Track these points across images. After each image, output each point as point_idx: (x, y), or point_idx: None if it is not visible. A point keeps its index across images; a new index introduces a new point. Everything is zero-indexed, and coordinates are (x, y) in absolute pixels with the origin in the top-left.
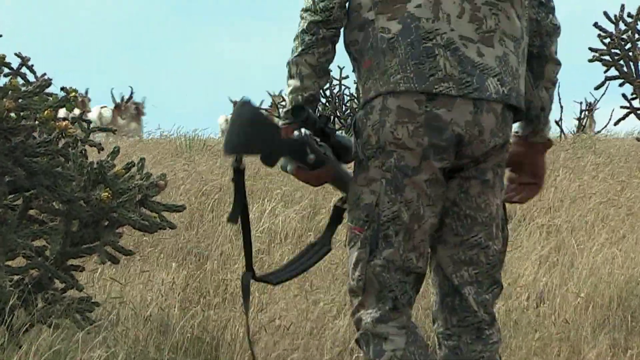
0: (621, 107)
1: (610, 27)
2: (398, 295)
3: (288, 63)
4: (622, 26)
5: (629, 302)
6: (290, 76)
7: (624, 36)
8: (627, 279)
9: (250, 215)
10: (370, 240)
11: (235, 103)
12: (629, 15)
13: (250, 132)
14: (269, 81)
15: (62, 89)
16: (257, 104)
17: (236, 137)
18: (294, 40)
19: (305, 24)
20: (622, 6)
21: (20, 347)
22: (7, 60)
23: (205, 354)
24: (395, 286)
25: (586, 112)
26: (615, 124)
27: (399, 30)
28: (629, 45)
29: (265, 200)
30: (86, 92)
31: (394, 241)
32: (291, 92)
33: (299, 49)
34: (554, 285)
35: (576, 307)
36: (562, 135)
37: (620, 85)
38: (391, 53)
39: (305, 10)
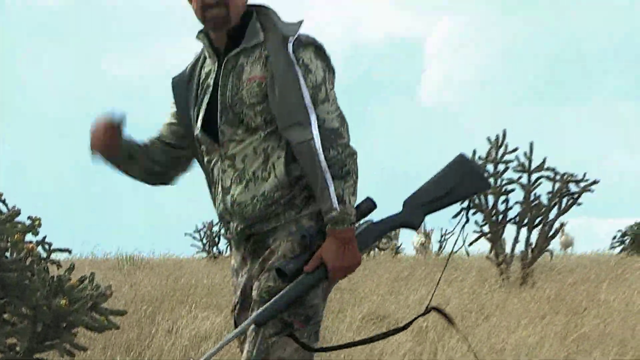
0: (474, 231)
1: None
2: None
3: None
4: None
5: None
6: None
7: None
8: None
9: None
10: (315, 335)
11: None
12: (479, 158)
13: None
14: None
15: (29, 217)
16: None
17: None
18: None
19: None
20: (474, 151)
21: None
22: None
23: None
24: None
25: (445, 236)
26: (470, 244)
27: None
28: None
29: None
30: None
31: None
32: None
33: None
34: None
35: None
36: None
37: (473, 214)
38: None
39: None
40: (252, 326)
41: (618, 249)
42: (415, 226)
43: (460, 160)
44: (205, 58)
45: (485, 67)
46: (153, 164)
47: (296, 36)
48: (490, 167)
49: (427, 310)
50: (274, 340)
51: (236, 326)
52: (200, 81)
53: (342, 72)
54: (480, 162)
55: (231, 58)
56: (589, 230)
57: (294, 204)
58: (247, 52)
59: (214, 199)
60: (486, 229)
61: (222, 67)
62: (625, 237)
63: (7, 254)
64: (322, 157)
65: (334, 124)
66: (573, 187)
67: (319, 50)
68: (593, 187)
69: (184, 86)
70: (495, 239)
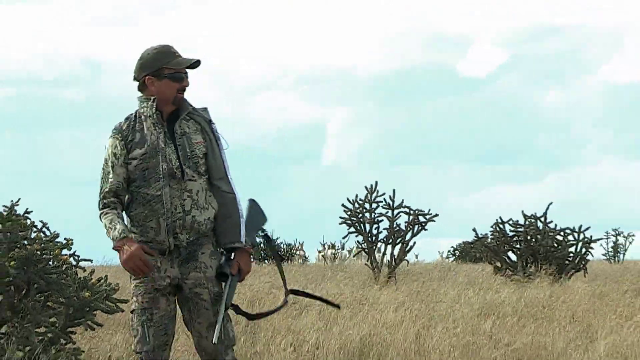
0: (357, 247)
1: (350, 205)
2: None
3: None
4: (357, 205)
5: None
6: None
7: (357, 211)
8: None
9: None
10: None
11: None
12: (360, 199)
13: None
14: None
15: (65, 238)
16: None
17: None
18: None
19: None
20: (357, 195)
21: None
22: (35, 223)
23: None
24: None
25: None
26: (354, 256)
27: None
28: (360, 216)
29: None
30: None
31: None
32: None
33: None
34: None
35: None
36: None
37: (356, 236)
38: None
39: None
40: (211, 318)
41: (451, 259)
42: (254, 245)
43: (252, 203)
44: (136, 122)
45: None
46: None
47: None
48: (367, 205)
49: (288, 293)
50: (227, 325)
51: (155, 302)
52: (149, 140)
53: (269, 145)
54: (361, 202)
55: (176, 125)
56: (432, 246)
57: (212, 228)
58: (182, 121)
59: (161, 219)
60: (364, 245)
61: (174, 131)
62: (456, 251)
63: (50, 262)
64: (241, 205)
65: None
66: (422, 218)
67: None
68: (435, 218)
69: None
70: (371, 252)
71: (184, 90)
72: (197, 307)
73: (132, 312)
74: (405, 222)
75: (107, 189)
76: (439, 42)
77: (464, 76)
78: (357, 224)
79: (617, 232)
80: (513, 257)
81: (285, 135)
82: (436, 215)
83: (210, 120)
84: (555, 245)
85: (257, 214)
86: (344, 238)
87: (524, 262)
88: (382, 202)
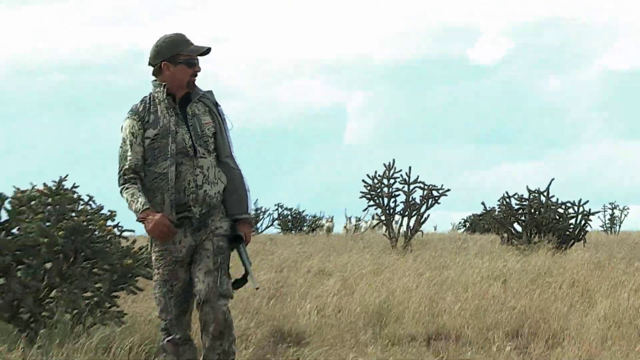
0: (376, 219)
1: (369, 181)
2: None
3: None
4: (375, 181)
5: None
6: None
7: (376, 186)
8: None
9: None
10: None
11: None
12: (378, 175)
13: None
14: None
15: (109, 210)
16: None
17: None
18: None
19: None
20: (376, 171)
21: (88, 335)
22: (81, 197)
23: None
24: None
25: (358, 222)
26: (373, 227)
27: None
28: (379, 191)
29: None
30: None
31: None
32: None
33: None
34: None
35: None
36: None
37: (375, 209)
38: None
39: None
40: (210, 266)
41: (462, 230)
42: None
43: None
44: (150, 104)
45: (385, 122)
46: None
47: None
48: (385, 181)
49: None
50: (224, 278)
51: (174, 274)
52: (162, 121)
53: (296, 126)
54: (379, 178)
55: (188, 108)
56: (445, 218)
57: (222, 200)
58: (193, 104)
59: (166, 195)
60: (382, 218)
61: (186, 113)
62: (466, 223)
63: (96, 232)
64: (246, 180)
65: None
66: (435, 193)
67: None
68: (447, 193)
69: (147, 118)
70: (388, 224)
71: (197, 74)
72: (200, 255)
73: (154, 282)
74: (420, 197)
75: (126, 167)
76: (451, 32)
77: (473, 64)
78: (376, 198)
79: (613, 205)
80: (518, 228)
81: (309, 117)
82: (448, 190)
83: (216, 103)
84: (557, 217)
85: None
86: (363, 211)
87: (529, 232)
88: (399, 178)
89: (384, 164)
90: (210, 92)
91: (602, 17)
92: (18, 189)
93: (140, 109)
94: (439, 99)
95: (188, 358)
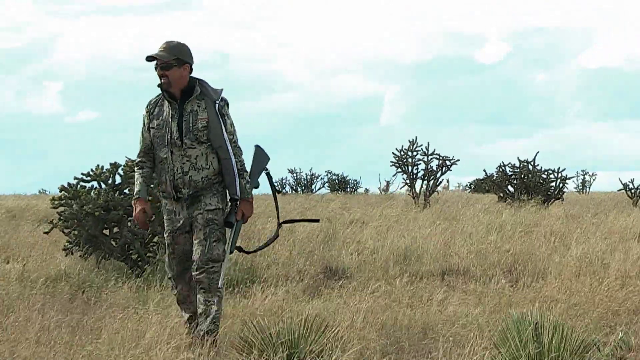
0: (402, 182)
1: (397, 153)
2: None
3: None
4: (402, 153)
5: None
6: None
7: (403, 157)
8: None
9: None
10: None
11: None
12: (404, 149)
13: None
14: None
15: None
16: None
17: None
18: None
19: (244, 163)
20: (402, 146)
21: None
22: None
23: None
24: None
25: (388, 184)
26: (400, 188)
27: None
28: (405, 160)
29: None
30: None
31: None
32: None
33: None
34: None
35: None
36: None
37: (402, 174)
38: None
39: None
40: (201, 237)
41: (467, 190)
42: (257, 186)
43: (257, 148)
44: (157, 103)
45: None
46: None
47: (221, 97)
48: (409, 153)
49: (280, 225)
50: (213, 244)
51: (175, 239)
52: (164, 114)
53: (343, 111)
54: (405, 151)
55: (187, 104)
56: (455, 182)
57: (218, 181)
58: (193, 101)
59: (167, 176)
60: (407, 181)
61: (184, 109)
62: (471, 185)
63: None
64: (235, 166)
65: (238, 149)
66: (448, 162)
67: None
68: (457, 162)
69: (155, 113)
70: (412, 186)
71: (161, 77)
72: (195, 228)
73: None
74: (437, 165)
75: (139, 150)
76: (462, 38)
77: (479, 63)
78: (402, 166)
79: (584, 172)
80: (511, 189)
81: (354, 104)
82: (458, 160)
83: (215, 100)
84: (541, 181)
85: (261, 157)
86: (393, 176)
87: (519, 193)
88: (420, 150)
89: (409, 140)
90: (221, 90)
91: (579, 25)
92: (129, 158)
93: (151, 102)
94: (452, 90)
95: (189, 310)
